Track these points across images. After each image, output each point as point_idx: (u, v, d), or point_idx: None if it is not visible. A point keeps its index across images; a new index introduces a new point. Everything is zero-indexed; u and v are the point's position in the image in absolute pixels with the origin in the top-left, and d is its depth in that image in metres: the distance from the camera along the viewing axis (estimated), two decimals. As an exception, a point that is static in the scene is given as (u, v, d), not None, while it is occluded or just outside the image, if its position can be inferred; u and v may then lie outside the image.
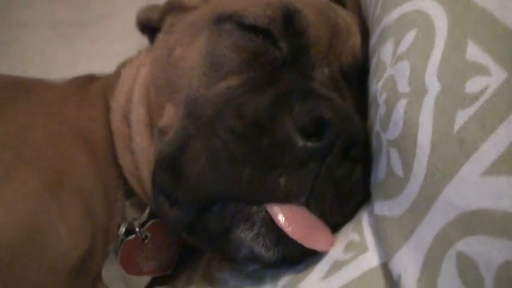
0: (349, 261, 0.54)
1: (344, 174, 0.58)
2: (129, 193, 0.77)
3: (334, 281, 0.54)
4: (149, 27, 0.90)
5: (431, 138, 0.45)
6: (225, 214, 0.59)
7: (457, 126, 0.44)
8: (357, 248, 0.55)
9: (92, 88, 0.85)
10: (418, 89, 0.49)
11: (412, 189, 0.47)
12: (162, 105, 0.73)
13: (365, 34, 0.73)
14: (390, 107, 0.52)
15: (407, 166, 0.48)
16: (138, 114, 0.76)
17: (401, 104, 0.50)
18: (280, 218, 0.56)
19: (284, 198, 0.57)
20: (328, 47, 0.71)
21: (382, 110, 0.54)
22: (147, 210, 0.76)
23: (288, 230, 0.56)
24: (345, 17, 0.75)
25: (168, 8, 0.87)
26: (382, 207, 0.53)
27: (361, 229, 0.57)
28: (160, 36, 0.84)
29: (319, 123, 0.56)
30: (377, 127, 0.55)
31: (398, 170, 0.50)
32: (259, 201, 0.57)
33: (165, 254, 0.80)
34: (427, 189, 0.45)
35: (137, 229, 0.75)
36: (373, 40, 0.63)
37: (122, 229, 0.75)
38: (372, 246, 0.54)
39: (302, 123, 0.56)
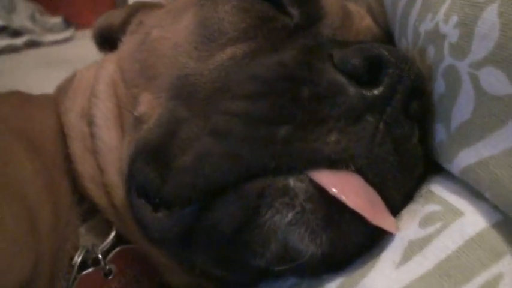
0: (435, 235, 0.39)
1: (405, 134, 0.44)
2: (87, 214, 0.58)
3: (421, 261, 0.38)
4: (108, 38, 0.76)
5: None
6: (247, 194, 0.42)
7: None
8: (442, 219, 0.40)
9: (36, 95, 0.68)
10: (515, -17, 0.37)
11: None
12: (136, 97, 0.58)
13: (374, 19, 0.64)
14: (470, 24, 0.41)
15: (521, 74, 0.35)
16: (104, 109, 0.59)
17: (491, 11, 0.39)
18: (333, 187, 0.40)
19: (335, 162, 0.41)
20: (341, 25, 0.60)
21: (453, 37, 0.42)
22: (113, 233, 0.56)
23: (348, 200, 0.39)
24: (352, 3, 0.65)
25: (134, 9, 0.74)
26: (476, 152, 0.39)
27: (438, 198, 0.42)
28: (126, 37, 0.70)
29: (375, 65, 0.43)
30: (447, 61, 0.43)
31: (502, 88, 0.37)
32: (301, 167, 0.41)
33: (134, 299, 0.58)
34: None
35: (100, 256, 0.55)
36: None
37: (78, 259, 0.54)
38: (469, 209, 0.39)
39: (351, 66, 0.43)
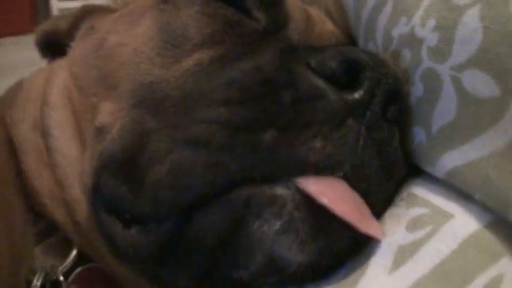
0: (426, 239, 0.39)
1: (386, 138, 0.44)
2: (43, 234, 0.53)
3: (414, 266, 0.37)
4: (53, 43, 0.71)
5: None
6: (232, 204, 0.40)
7: None
8: (430, 222, 0.40)
9: None
10: (495, -12, 0.38)
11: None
12: (94, 106, 0.54)
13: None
14: (449, 28, 0.41)
15: (508, 75, 0.36)
16: (60, 118, 0.55)
17: (471, 15, 0.39)
18: (321, 195, 0.39)
19: (321, 168, 0.40)
20: (305, 29, 0.59)
21: (431, 40, 0.43)
22: (74, 252, 0.52)
23: (337, 208, 0.38)
24: (311, 8, 0.65)
25: (83, 13, 0.70)
26: (461, 154, 0.39)
27: (422, 201, 0.42)
28: (77, 42, 0.66)
29: (354, 69, 0.42)
30: (425, 64, 0.43)
31: (488, 90, 0.37)
32: (287, 175, 0.40)
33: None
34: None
35: (61, 278, 0.50)
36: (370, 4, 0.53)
37: (37, 282, 0.50)
38: (458, 211, 0.39)
39: (330, 69, 0.42)
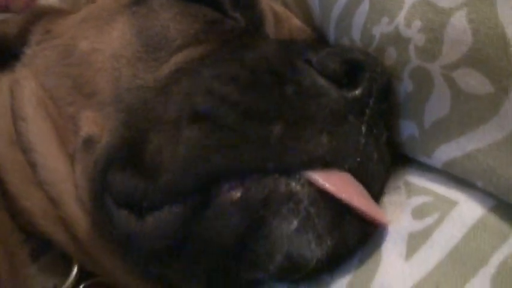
0: (436, 226, 0.43)
1: (381, 132, 0.47)
2: (36, 252, 0.52)
3: (429, 252, 0.41)
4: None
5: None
6: (251, 201, 0.41)
7: None
8: (437, 209, 0.44)
9: None
10: (480, -8, 0.42)
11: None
12: (74, 116, 0.53)
13: None
14: (437, 29, 0.44)
15: (500, 74, 0.40)
16: (41, 133, 0.53)
17: (459, 17, 0.43)
18: (336, 189, 0.42)
19: (328, 162, 0.43)
20: (275, 26, 0.61)
21: (419, 40, 0.46)
22: (75, 268, 0.51)
23: (353, 201, 0.41)
24: (274, 3, 0.67)
25: (33, 16, 0.66)
26: (458, 146, 0.43)
27: (424, 190, 0.46)
28: (33, 48, 0.63)
29: (352, 68, 0.45)
30: (414, 63, 0.46)
31: (482, 87, 0.41)
32: (298, 168, 0.42)
33: None
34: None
35: None
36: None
37: None
38: (461, 198, 0.43)
39: (331, 69, 0.45)
